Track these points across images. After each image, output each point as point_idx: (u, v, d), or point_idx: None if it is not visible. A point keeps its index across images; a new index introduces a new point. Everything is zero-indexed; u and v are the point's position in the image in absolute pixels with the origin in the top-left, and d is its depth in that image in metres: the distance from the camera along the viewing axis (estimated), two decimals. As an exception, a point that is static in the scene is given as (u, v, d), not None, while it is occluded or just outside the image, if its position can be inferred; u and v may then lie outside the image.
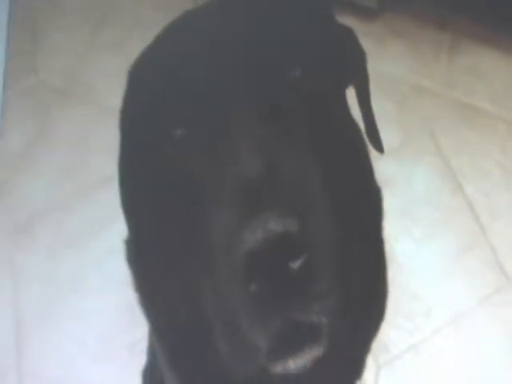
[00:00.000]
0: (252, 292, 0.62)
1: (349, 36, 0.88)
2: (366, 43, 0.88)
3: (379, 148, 0.96)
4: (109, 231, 1.69)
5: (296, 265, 0.62)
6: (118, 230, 0.88)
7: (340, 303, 0.68)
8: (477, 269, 1.64)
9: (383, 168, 0.96)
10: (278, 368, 0.71)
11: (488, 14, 1.97)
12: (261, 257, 0.60)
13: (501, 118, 1.88)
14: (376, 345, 1.03)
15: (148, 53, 0.80)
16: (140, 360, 1.35)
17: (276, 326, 0.65)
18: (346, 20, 0.87)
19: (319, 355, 0.71)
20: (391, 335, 1.54)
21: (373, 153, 0.94)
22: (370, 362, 1.48)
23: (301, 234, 0.61)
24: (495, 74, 1.96)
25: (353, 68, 0.88)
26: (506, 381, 1.52)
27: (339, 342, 0.72)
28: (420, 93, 1.94)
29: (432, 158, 1.82)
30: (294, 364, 0.71)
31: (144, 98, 0.78)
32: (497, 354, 1.55)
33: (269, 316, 0.65)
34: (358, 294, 0.78)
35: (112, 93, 0.86)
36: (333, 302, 0.67)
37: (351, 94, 0.88)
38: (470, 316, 1.59)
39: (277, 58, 0.73)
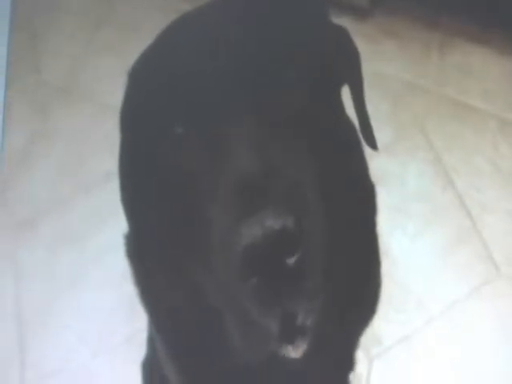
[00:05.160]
0: (251, 287, 0.64)
1: (343, 35, 0.88)
2: (358, 43, 0.88)
3: (373, 145, 0.96)
4: (109, 227, 1.71)
5: (292, 261, 0.63)
6: (118, 225, 0.89)
7: (329, 300, 0.69)
8: (468, 261, 1.66)
9: (377, 165, 0.97)
10: (284, 351, 0.72)
11: (478, 13, 1.99)
12: (258, 252, 0.61)
13: (492, 115, 1.90)
14: (369, 337, 1.05)
15: (148, 53, 0.81)
16: (139, 351, 1.36)
17: (278, 314, 0.67)
18: (338, 20, 0.87)
19: (310, 351, 0.73)
20: (383, 327, 1.55)
21: (366, 150, 0.95)
22: (363, 355, 1.50)
23: (297, 231, 0.62)
24: (486, 72, 1.98)
25: (347, 67, 0.88)
26: (497, 370, 1.54)
27: (328, 338, 0.74)
28: (412, 91, 1.95)
29: (424, 155, 1.83)
30: (294, 352, 0.72)
31: (144, 97, 0.78)
32: (488, 343, 1.57)
33: (269, 307, 0.66)
34: (351, 288, 0.80)
35: (111, 92, 0.87)
36: (317, 303, 0.69)
37: (345, 93, 0.88)
38: (461, 307, 1.60)
39: (273, 59, 0.74)
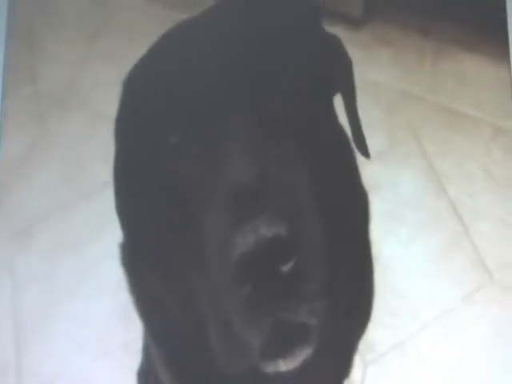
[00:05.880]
0: (244, 294, 0.64)
1: (335, 44, 0.89)
2: (352, 51, 0.90)
3: (365, 153, 0.97)
4: (108, 234, 1.66)
5: (287, 268, 0.64)
6: (114, 234, 0.90)
7: (328, 304, 0.69)
8: (461, 268, 1.66)
9: (370, 172, 0.98)
10: (270, 368, 0.73)
11: (471, 21, 2.00)
12: (252, 260, 0.62)
13: (485, 122, 1.90)
14: (363, 343, 1.05)
15: (143, 62, 0.81)
16: (135, 359, 1.36)
17: (268, 326, 0.67)
18: (332, 29, 0.88)
19: (309, 357, 0.73)
20: (378, 333, 1.54)
21: (360, 157, 0.97)
22: (357, 360, 1.50)
23: (291, 238, 0.63)
24: (479, 79, 1.98)
25: (340, 75, 0.89)
26: (492, 376, 1.54)
27: (328, 342, 0.74)
28: (405, 98, 1.95)
29: (417, 162, 1.84)
30: (285, 365, 0.73)
31: (139, 106, 0.79)
32: (482, 349, 1.57)
33: (261, 317, 0.67)
34: (345, 295, 0.81)
35: (109, 100, 0.87)
36: (321, 304, 0.69)
37: (338, 101, 0.90)
38: (454, 313, 1.61)
39: (267, 67, 0.74)
